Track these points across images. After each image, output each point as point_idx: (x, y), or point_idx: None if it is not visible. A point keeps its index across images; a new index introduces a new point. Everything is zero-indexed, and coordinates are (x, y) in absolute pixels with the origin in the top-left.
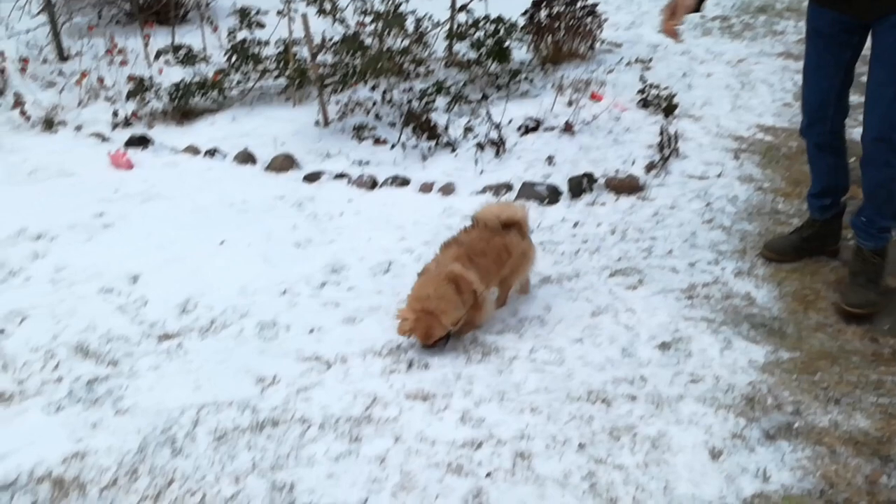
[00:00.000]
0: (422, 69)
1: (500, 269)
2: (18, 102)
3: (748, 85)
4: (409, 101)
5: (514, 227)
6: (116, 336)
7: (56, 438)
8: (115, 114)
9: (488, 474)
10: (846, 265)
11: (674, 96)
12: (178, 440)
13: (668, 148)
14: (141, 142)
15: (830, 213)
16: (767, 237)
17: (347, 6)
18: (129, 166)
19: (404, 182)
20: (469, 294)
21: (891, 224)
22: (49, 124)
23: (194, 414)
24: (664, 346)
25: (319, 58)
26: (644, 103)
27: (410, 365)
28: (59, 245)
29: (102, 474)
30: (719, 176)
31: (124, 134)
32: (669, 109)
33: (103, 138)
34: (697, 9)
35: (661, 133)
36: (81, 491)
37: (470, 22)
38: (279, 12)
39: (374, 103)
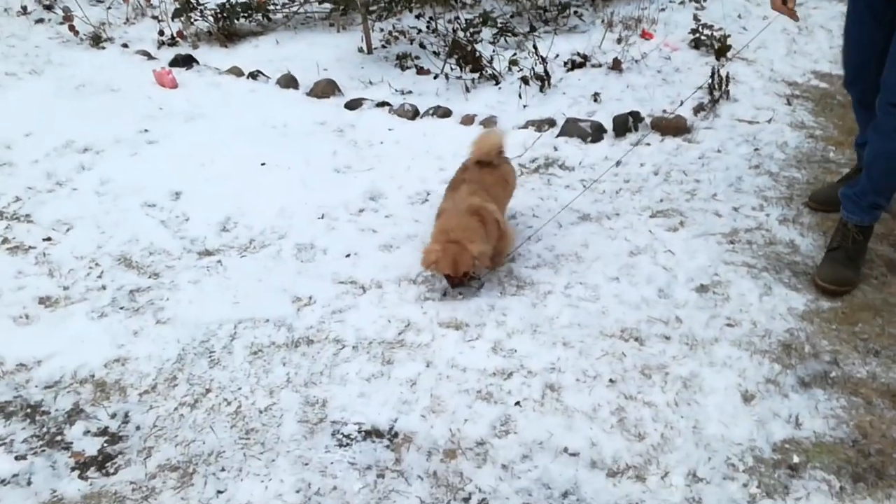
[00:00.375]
0: None
1: (507, 197)
2: (67, 17)
3: (805, 30)
4: (455, 32)
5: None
6: (158, 249)
7: (99, 343)
8: (161, 33)
9: (517, 403)
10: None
11: (727, 38)
12: (216, 352)
13: (718, 90)
14: (185, 61)
15: None
16: (816, 186)
17: None
18: (174, 85)
19: (446, 113)
20: (493, 225)
21: (882, 202)
22: (97, 40)
23: (232, 328)
24: (702, 289)
25: None
26: (696, 44)
27: (445, 294)
28: (104, 159)
29: (142, 379)
30: (770, 121)
31: (169, 53)
32: (722, 51)
33: (149, 56)
34: None
35: (712, 75)
36: (122, 394)
37: None
38: None
39: (419, 32)
